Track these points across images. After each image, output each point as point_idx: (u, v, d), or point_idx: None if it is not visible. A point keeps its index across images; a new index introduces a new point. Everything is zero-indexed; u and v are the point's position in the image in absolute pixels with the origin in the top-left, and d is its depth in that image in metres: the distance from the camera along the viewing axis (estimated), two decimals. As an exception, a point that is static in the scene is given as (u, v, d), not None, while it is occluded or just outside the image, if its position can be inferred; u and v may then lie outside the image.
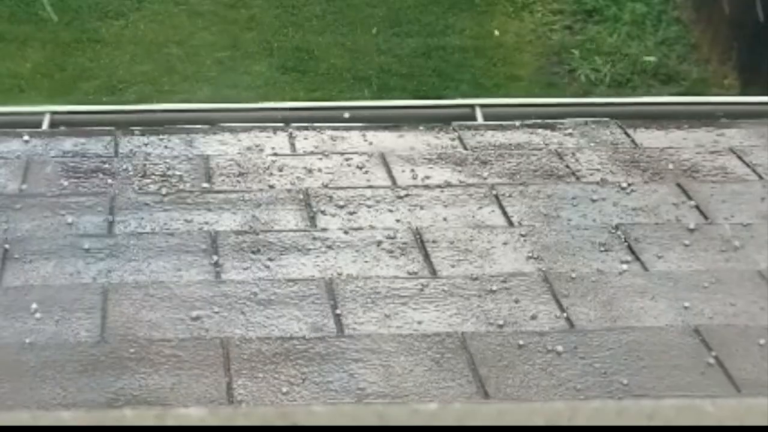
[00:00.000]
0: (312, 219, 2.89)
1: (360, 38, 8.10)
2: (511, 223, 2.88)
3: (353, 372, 2.32)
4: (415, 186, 3.06)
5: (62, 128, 3.37)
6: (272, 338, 2.41)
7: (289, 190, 3.03)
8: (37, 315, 2.47)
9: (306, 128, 3.39)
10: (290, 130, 3.38)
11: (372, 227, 2.85)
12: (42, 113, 3.43)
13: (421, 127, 3.40)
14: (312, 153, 3.24)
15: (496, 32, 7.81)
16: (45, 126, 3.38)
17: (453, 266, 2.69)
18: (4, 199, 2.95)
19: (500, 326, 2.46)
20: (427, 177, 3.11)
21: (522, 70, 7.62)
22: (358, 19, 8.35)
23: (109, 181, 3.07)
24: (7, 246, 2.73)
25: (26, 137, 3.28)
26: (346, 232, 2.82)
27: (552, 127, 3.40)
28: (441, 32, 8.04)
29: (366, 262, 2.70)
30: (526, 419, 0.87)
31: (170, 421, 0.89)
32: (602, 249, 2.76)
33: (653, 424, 0.88)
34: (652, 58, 6.69)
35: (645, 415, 0.89)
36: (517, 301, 2.55)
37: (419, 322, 2.48)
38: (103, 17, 8.20)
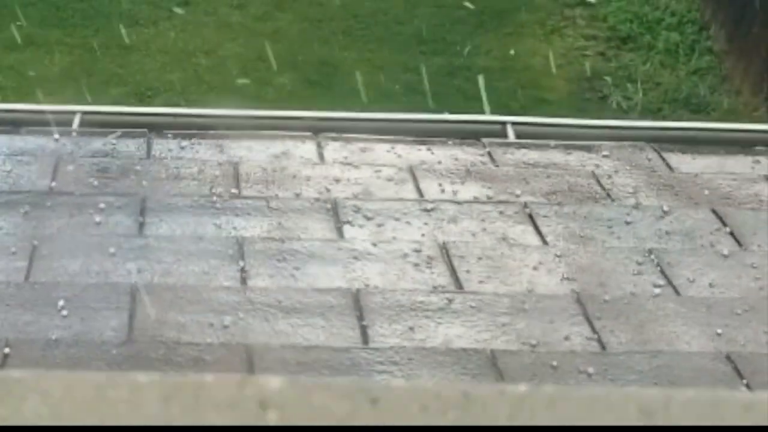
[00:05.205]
0: (339, 229, 2.86)
1: (386, 55, 8.08)
2: (545, 242, 2.84)
3: (378, 384, 2.28)
4: (444, 200, 3.03)
5: (92, 128, 3.35)
6: (297, 347, 2.38)
7: (316, 200, 3.00)
8: (64, 312, 2.45)
9: (335, 138, 3.36)
10: (319, 139, 3.35)
11: (399, 240, 2.81)
12: (73, 113, 3.41)
13: (449, 142, 3.37)
14: (341, 163, 3.21)
15: (512, 51, 7.75)
16: (75, 125, 3.36)
17: (482, 282, 2.65)
18: (33, 196, 2.93)
19: (533, 346, 2.42)
20: (456, 192, 3.08)
21: (551, 94, 7.57)
22: (384, 36, 8.34)
23: (138, 182, 3.05)
24: (35, 242, 2.71)
25: (56, 136, 3.27)
26: (374, 244, 2.79)
27: (587, 149, 3.37)
28: (468, 52, 8.02)
29: (393, 274, 2.67)
30: (621, 407, 0.84)
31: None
32: (635, 272, 2.72)
33: (748, 420, 0.85)
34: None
35: (741, 406, 0.86)
36: (551, 322, 2.51)
37: (445, 337, 2.44)
38: (134, 24, 8.21)
